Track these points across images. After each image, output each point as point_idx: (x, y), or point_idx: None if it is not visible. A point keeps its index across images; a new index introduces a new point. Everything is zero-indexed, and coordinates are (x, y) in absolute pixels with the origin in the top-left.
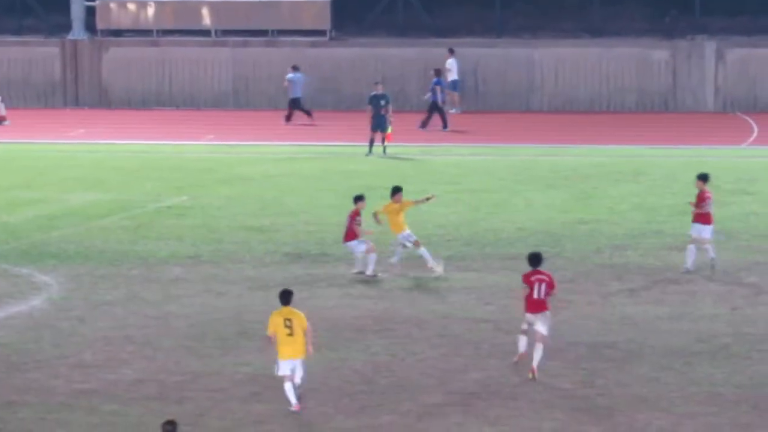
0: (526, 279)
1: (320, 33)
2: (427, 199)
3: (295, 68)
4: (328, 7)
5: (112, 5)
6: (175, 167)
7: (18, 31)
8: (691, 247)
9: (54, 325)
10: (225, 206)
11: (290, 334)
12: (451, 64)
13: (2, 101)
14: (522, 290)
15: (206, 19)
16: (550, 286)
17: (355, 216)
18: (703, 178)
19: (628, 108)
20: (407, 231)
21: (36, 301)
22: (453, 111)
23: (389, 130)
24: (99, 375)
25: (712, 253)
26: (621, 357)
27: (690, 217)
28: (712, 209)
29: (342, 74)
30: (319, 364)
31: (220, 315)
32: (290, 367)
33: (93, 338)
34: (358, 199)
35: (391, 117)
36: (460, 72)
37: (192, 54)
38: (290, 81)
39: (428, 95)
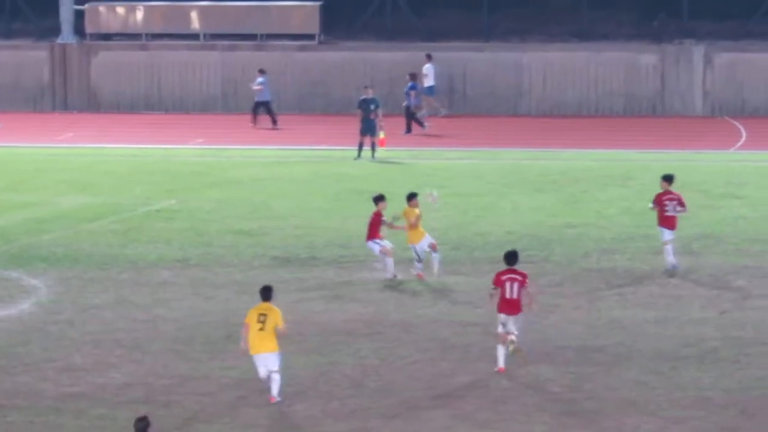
0: (497, 279)
1: (309, 37)
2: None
3: (262, 72)
4: (317, 11)
5: (101, 9)
6: (165, 171)
7: (7, 35)
8: (667, 248)
9: (43, 328)
10: (214, 210)
11: (261, 329)
12: (428, 69)
13: None
14: (489, 291)
15: (195, 23)
16: (523, 284)
17: (377, 217)
18: (668, 179)
19: (617, 112)
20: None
21: (25, 305)
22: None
23: (382, 135)
24: (87, 378)
25: (670, 255)
26: (609, 361)
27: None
28: (677, 212)
29: (331, 78)
30: (308, 367)
31: (208, 319)
32: (263, 363)
33: (82, 341)
34: (379, 199)
35: (382, 122)
36: (447, 76)
37: (181, 58)
38: (261, 84)
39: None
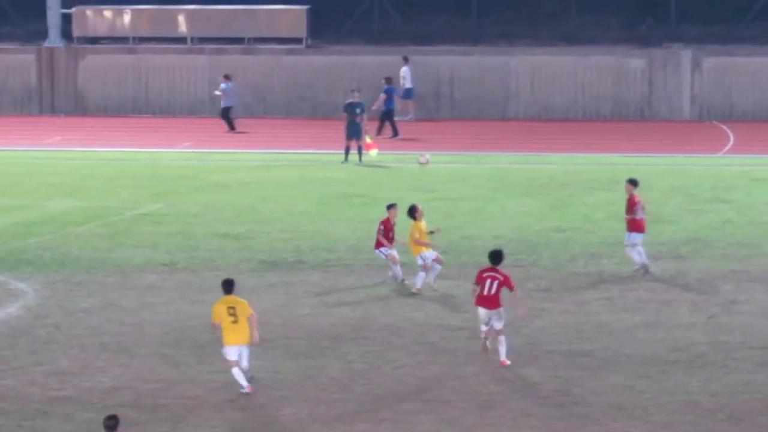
0: (479, 277)
1: (297, 41)
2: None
3: (227, 77)
4: (305, 15)
5: (89, 12)
6: (152, 174)
7: None
8: (628, 249)
9: (30, 332)
10: (201, 213)
11: (234, 322)
12: (405, 72)
13: None
14: (472, 288)
15: (183, 27)
16: (503, 284)
17: (387, 225)
18: (633, 182)
19: (604, 116)
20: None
21: (12, 309)
22: (407, 118)
23: (368, 139)
24: (75, 382)
25: (644, 258)
26: (596, 365)
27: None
28: (644, 215)
29: (318, 82)
30: (295, 371)
31: (195, 322)
32: (237, 352)
33: (69, 345)
34: (390, 207)
35: (368, 125)
36: (434, 80)
37: (168, 61)
38: (223, 91)
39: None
